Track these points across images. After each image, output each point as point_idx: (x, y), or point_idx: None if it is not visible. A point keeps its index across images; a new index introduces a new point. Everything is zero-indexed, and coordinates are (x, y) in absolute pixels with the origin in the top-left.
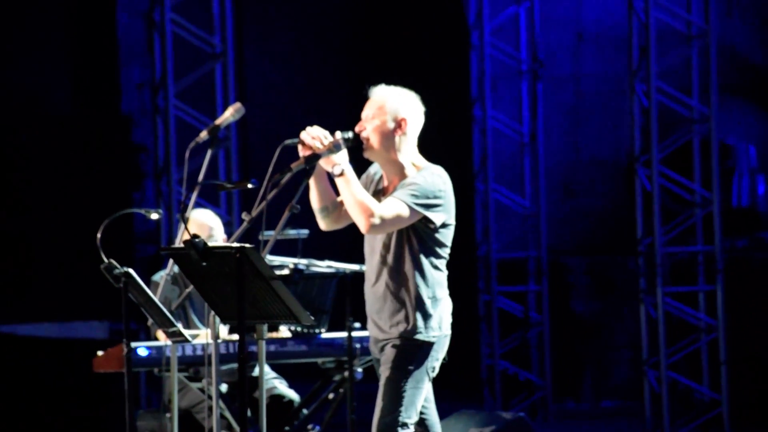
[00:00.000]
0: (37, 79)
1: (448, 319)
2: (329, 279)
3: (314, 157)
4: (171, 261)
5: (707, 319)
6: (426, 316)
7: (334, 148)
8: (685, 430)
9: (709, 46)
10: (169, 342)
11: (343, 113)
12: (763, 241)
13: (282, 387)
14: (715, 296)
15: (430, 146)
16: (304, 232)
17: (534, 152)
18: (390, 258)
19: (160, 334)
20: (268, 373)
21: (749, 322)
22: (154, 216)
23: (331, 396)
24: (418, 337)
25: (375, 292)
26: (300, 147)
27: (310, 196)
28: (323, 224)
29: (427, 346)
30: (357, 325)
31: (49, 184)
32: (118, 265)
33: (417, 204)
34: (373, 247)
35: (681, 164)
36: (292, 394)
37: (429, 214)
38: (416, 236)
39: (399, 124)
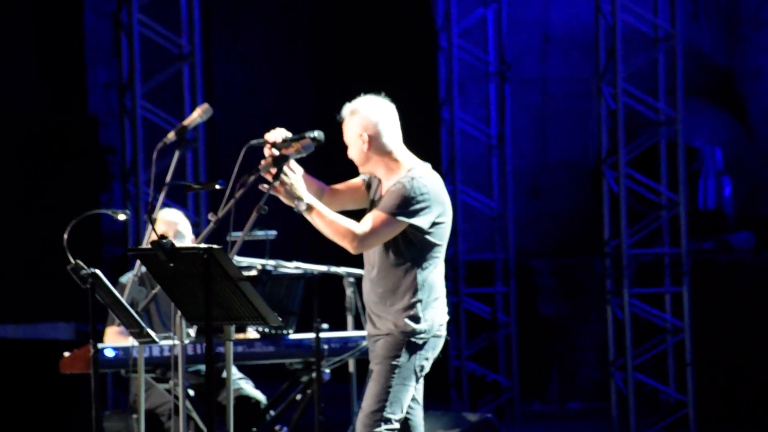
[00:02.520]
0: (2, 79)
1: (440, 320)
2: (297, 280)
3: (282, 158)
4: (138, 262)
5: (673, 320)
6: (414, 316)
7: (302, 149)
8: (652, 431)
9: (676, 49)
10: (135, 343)
11: (310, 114)
12: (729, 244)
13: (248, 388)
14: (681, 298)
15: None
16: (272, 233)
17: (501, 154)
18: (380, 259)
19: (108, 331)
20: (235, 374)
21: (715, 324)
22: (122, 217)
23: (298, 397)
24: (406, 335)
25: (369, 287)
26: (267, 148)
27: None
28: None
29: (413, 345)
30: (325, 326)
31: (15, 185)
32: (84, 266)
33: (400, 214)
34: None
35: (647, 166)
36: (258, 395)
37: (414, 221)
38: (404, 240)
39: (364, 141)
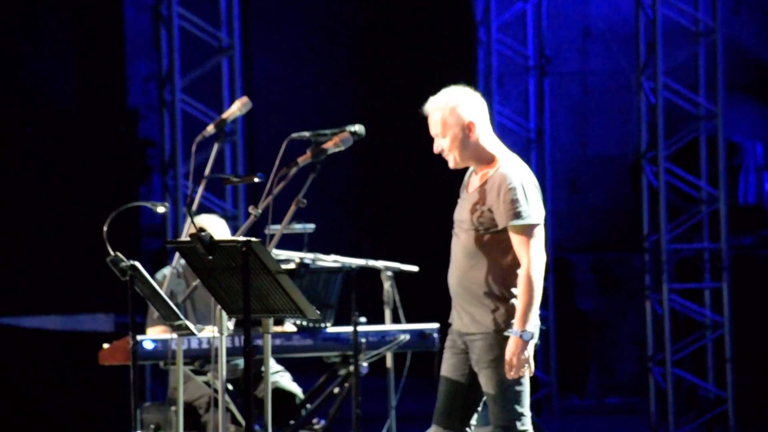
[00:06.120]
0: (43, 73)
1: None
2: (335, 273)
3: (321, 152)
4: (177, 254)
5: (713, 316)
6: (510, 312)
7: (341, 143)
8: (690, 427)
9: (717, 43)
10: (174, 335)
11: (348, 108)
12: None
13: (284, 381)
14: (721, 293)
15: None
16: (310, 226)
17: (540, 148)
18: (470, 257)
19: (149, 332)
20: (272, 367)
21: (755, 320)
22: (161, 209)
23: (336, 390)
24: (506, 333)
25: (457, 285)
26: None
27: None
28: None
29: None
30: (363, 319)
31: (55, 178)
32: (124, 258)
33: (532, 216)
34: (456, 242)
35: (688, 161)
36: (295, 388)
37: (540, 216)
38: (498, 233)
39: (468, 128)
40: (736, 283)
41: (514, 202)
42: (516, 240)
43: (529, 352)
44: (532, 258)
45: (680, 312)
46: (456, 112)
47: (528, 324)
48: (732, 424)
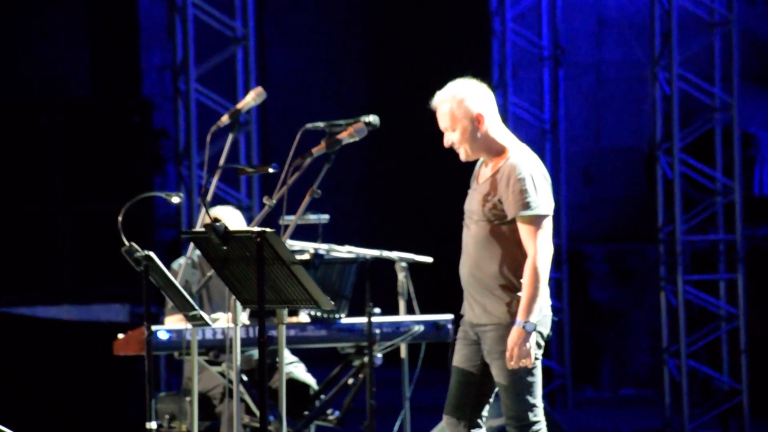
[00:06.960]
0: (57, 62)
1: (546, 302)
2: (349, 264)
3: (336, 142)
4: (191, 245)
5: (728, 307)
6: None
7: (355, 133)
8: (705, 419)
9: (732, 33)
10: (189, 325)
11: (363, 98)
12: None
13: (298, 372)
14: (736, 285)
15: None
16: (325, 217)
17: (555, 139)
18: (481, 248)
19: (167, 321)
20: (287, 357)
21: None
22: (175, 200)
23: (350, 381)
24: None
25: (468, 276)
26: None
27: None
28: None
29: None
30: (377, 310)
31: (69, 168)
32: (139, 249)
33: (536, 206)
34: (466, 233)
35: (702, 152)
36: (309, 379)
37: (549, 207)
38: (508, 224)
39: (477, 120)
40: (751, 275)
41: (523, 192)
42: (523, 230)
43: (531, 343)
44: (539, 249)
45: (695, 303)
46: (464, 104)
47: (532, 315)
48: (747, 415)
